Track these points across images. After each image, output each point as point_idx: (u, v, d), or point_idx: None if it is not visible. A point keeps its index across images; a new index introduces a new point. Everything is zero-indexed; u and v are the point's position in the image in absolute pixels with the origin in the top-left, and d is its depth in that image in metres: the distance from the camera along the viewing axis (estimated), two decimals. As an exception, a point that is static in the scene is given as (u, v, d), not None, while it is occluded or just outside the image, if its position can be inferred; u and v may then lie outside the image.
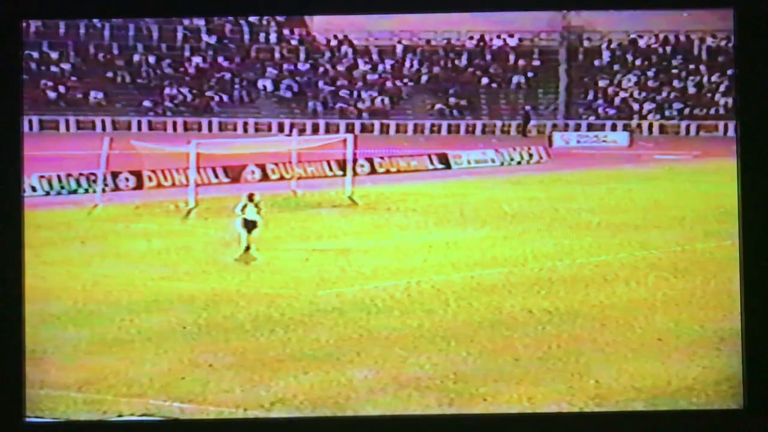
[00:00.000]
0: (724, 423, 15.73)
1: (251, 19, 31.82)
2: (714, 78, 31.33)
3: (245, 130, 30.99)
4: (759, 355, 15.40)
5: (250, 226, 22.68)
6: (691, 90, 31.40)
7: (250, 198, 22.95)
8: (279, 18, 31.51)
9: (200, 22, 31.75)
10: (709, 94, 31.26)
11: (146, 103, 30.97)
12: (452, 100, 31.65)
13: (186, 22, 31.70)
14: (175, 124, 30.76)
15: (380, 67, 32.11)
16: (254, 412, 16.80)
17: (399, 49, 31.91)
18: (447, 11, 16.74)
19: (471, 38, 32.07)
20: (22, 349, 15.71)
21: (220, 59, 32.05)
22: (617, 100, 31.62)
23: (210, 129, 31.05)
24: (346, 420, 16.54)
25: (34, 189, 24.40)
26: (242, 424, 16.61)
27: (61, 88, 30.96)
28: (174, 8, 16.56)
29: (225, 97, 31.54)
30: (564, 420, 16.22)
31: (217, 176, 27.27)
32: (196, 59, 31.87)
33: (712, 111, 31.01)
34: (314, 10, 20.44)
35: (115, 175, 26.58)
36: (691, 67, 31.66)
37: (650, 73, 31.78)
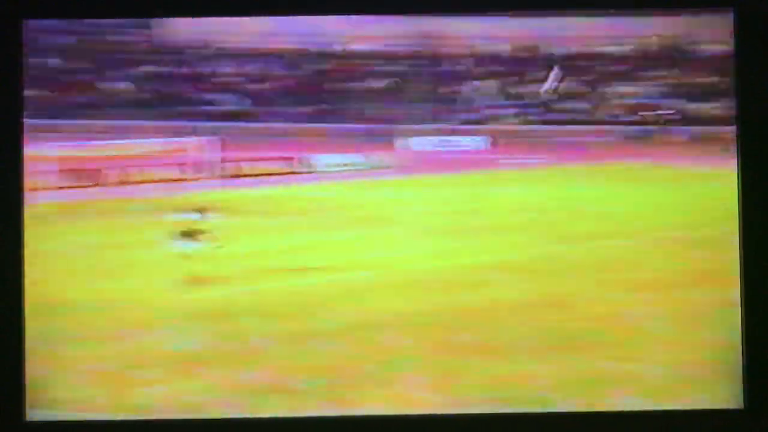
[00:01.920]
0: (724, 423, 15.75)
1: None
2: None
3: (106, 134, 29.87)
4: (759, 355, 15.43)
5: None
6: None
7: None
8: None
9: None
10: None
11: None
12: (318, 105, 30.73)
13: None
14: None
15: (246, 69, 31.18)
16: (251, 413, 16.80)
17: (265, 52, 30.99)
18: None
19: (340, 42, 31.21)
20: (23, 349, 15.71)
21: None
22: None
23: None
24: (344, 420, 16.54)
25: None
26: (239, 423, 16.62)
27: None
28: (173, 9, 16.56)
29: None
30: (562, 420, 16.22)
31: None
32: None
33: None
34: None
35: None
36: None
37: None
